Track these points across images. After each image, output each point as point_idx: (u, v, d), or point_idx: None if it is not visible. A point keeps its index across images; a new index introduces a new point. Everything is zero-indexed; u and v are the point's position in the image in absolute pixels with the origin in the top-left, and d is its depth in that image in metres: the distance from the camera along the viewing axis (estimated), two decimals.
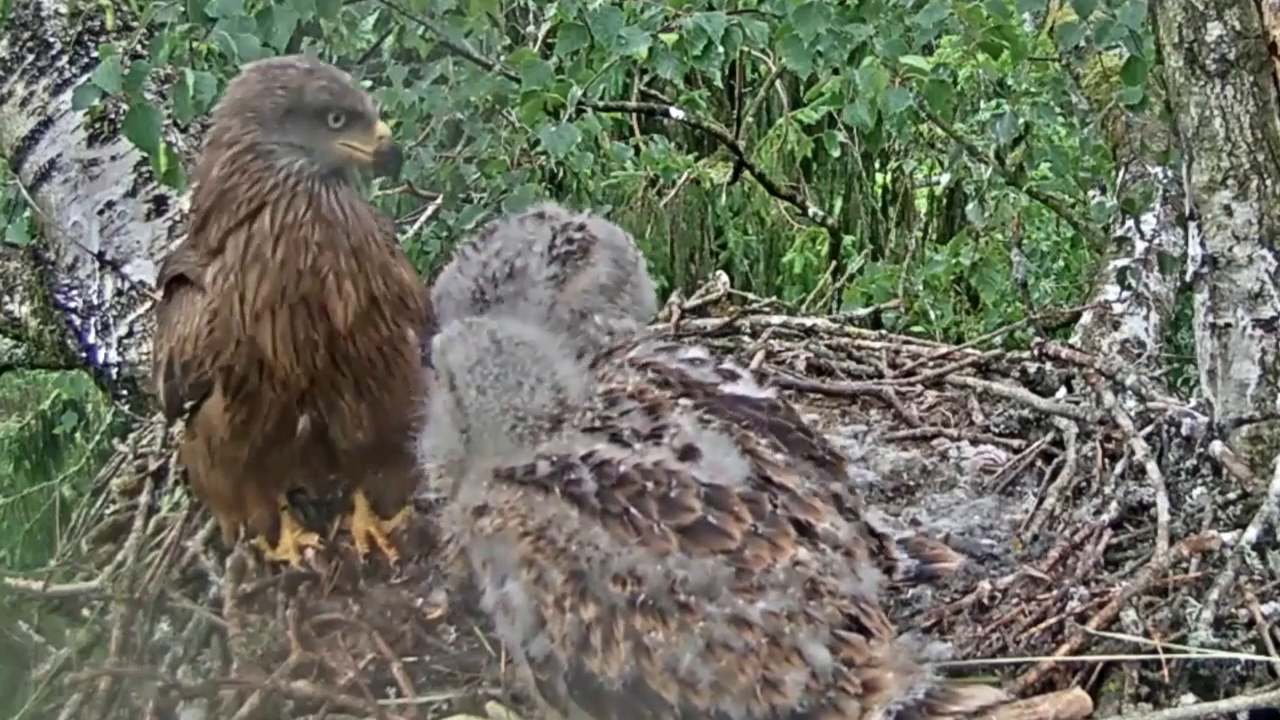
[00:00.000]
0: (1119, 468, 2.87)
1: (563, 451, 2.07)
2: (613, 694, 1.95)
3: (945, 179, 7.50)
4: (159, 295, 2.97)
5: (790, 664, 1.93)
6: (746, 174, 7.36)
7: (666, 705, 1.93)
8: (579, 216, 2.96)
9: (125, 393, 4.18)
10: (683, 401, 2.16)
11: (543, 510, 2.02)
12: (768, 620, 1.94)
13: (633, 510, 1.97)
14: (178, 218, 4.30)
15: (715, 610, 1.93)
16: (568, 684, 1.99)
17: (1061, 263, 7.97)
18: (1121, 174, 5.87)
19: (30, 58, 4.55)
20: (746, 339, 3.95)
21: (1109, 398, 3.07)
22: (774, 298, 5.34)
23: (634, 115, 7.30)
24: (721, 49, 4.47)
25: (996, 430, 3.32)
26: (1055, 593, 2.44)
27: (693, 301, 4.24)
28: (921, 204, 9.01)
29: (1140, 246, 5.49)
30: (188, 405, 2.76)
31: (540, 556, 1.99)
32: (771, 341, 3.88)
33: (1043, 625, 2.35)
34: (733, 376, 2.27)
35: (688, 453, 2.05)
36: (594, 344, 2.75)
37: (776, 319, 4.05)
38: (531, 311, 2.75)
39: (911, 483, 3.13)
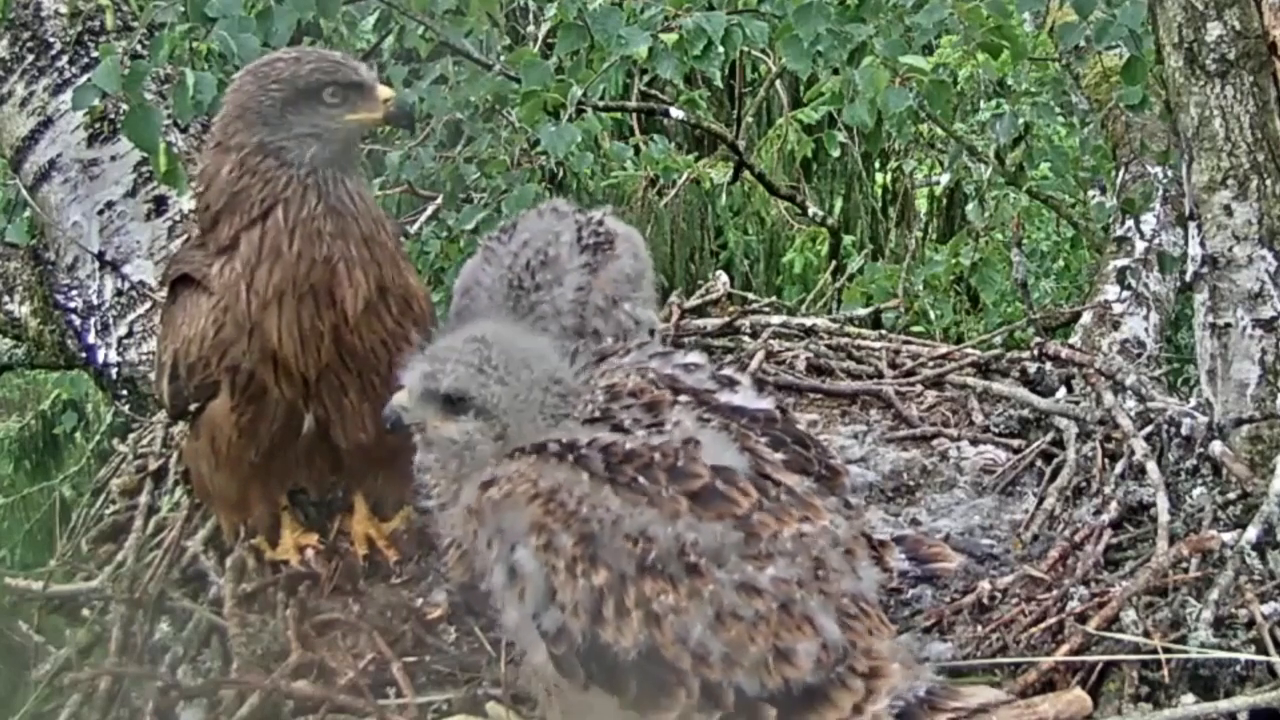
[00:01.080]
0: (1119, 468, 2.87)
1: (567, 438, 2.08)
2: (629, 664, 1.93)
3: (945, 179, 7.49)
4: (163, 295, 2.96)
5: (802, 633, 1.93)
6: (746, 174, 7.35)
7: (683, 675, 1.92)
8: (595, 213, 3.14)
9: (125, 393, 4.18)
10: (682, 399, 2.15)
11: (552, 474, 2.01)
12: (778, 587, 1.94)
13: (641, 479, 1.97)
14: (178, 218, 4.30)
15: (725, 576, 1.93)
16: (582, 658, 1.97)
17: (1061, 263, 7.97)
18: (1121, 174, 5.87)
19: (30, 58, 4.55)
20: (746, 339, 3.96)
21: (1109, 398, 3.07)
22: (774, 298, 5.34)
23: (634, 115, 7.29)
24: (721, 49, 4.47)
25: (996, 430, 3.32)
26: (1055, 593, 2.45)
27: (693, 301, 4.24)
28: (921, 204, 9.01)
29: (1140, 246, 5.49)
30: (192, 407, 2.77)
31: (550, 519, 1.98)
32: (771, 341, 3.88)
33: (1043, 625, 2.35)
34: (730, 384, 2.25)
35: (689, 444, 2.05)
36: (622, 330, 2.94)
37: (776, 319, 4.05)
38: (567, 297, 2.92)
39: (911, 483, 3.13)
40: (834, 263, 7.40)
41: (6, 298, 4.56)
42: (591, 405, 2.14)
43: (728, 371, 2.30)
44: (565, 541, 1.96)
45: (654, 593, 1.91)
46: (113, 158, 4.42)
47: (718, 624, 1.91)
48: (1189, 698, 2.15)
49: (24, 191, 4.46)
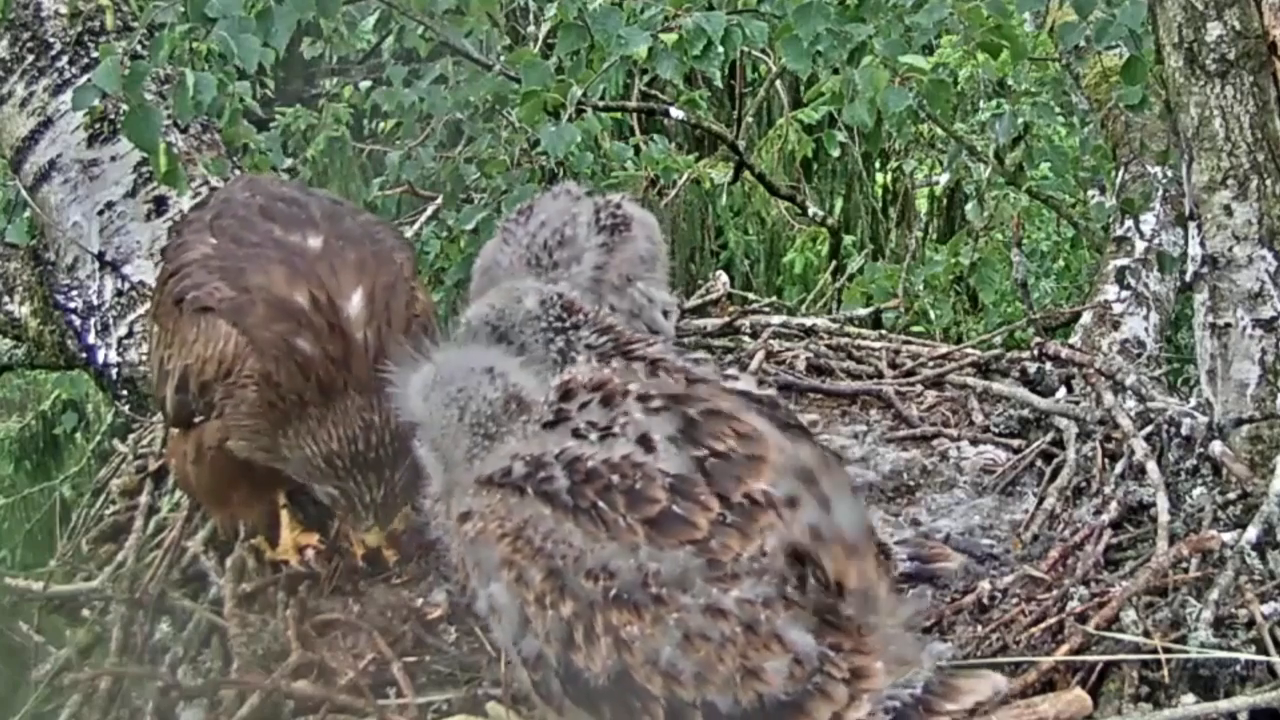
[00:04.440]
0: (1119, 468, 2.87)
1: (535, 451, 2.08)
2: (602, 689, 1.96)
3: (945, 179, 7.49)
4: (165, 300, 2.94)
5: (769, 651, 1.93)
6: (747, 174, 7.34)
7: (653, 698, 1.93)
8: (613, 196, 3.26)
9: (125, 393, 4.18)
10: (633, 387, 2.13)
11: (519, 511, 2.03)
12: (743, 608, 1.93)
13: (601, 505, 1.97)
14: (178, 218, 4.29)
15: (690, 601, 1.93)
16: (560, 681, 2.00)
17: (1061, 263, 7.96)
18: (1121, 174, 5.86)
19: (30, 58, 4.55)
20: (746, 339, 3.96)
21: (1109, 398, 3.07)
22: (774, 298, 5.34)
23: (634, 115, 7.29)
24: (721, 49, 4.47)
25: (996, 430, 3.32)
26: (1055, 593, 2.45)
27: (693, 301, 4.24)
28: (921, 204, 9.00)
29: (1140, 246, 5.48)
30: (197, 420, 2.77)
31: (519, 557, 2.01)
32: (771, 341, 3.88)
33: (1043, 625, 2.35)
34: (735, 378, 2.26)
35: (643, 441, 2.04)
36: (636, 307, 3.04)
37: (776, 319, 4.05)
38: (585, 275, 3.01)
39: (911, 483, 3.13)
40: (834, 263, 7.39)
41: (6, 298, 4.56)
42: (546, 407, 2.15)
43: (731, 371, 2.31)
44: (534, 576, 1.99)
45: (621, 621, 1.93)
46: (113, 158, 4.42)
47: (686, 645, 1.93)
48: (1189, 698, 2.15)
49: (24, 191, 4.46)
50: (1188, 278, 2.77)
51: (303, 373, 2.65)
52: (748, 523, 1.98)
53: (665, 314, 3.21)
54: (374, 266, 2.78)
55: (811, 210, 7.64)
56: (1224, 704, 2.10)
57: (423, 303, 2.87)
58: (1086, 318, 5.38)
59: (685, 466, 2.00)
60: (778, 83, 7.96)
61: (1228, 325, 2.68)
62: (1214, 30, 2.57)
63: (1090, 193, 6.46)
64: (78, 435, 7.10)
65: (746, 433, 2.05)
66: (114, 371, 4.21)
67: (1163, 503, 2.62)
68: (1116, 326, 5.22)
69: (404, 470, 2.65)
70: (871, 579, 2.05)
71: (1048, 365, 3.50)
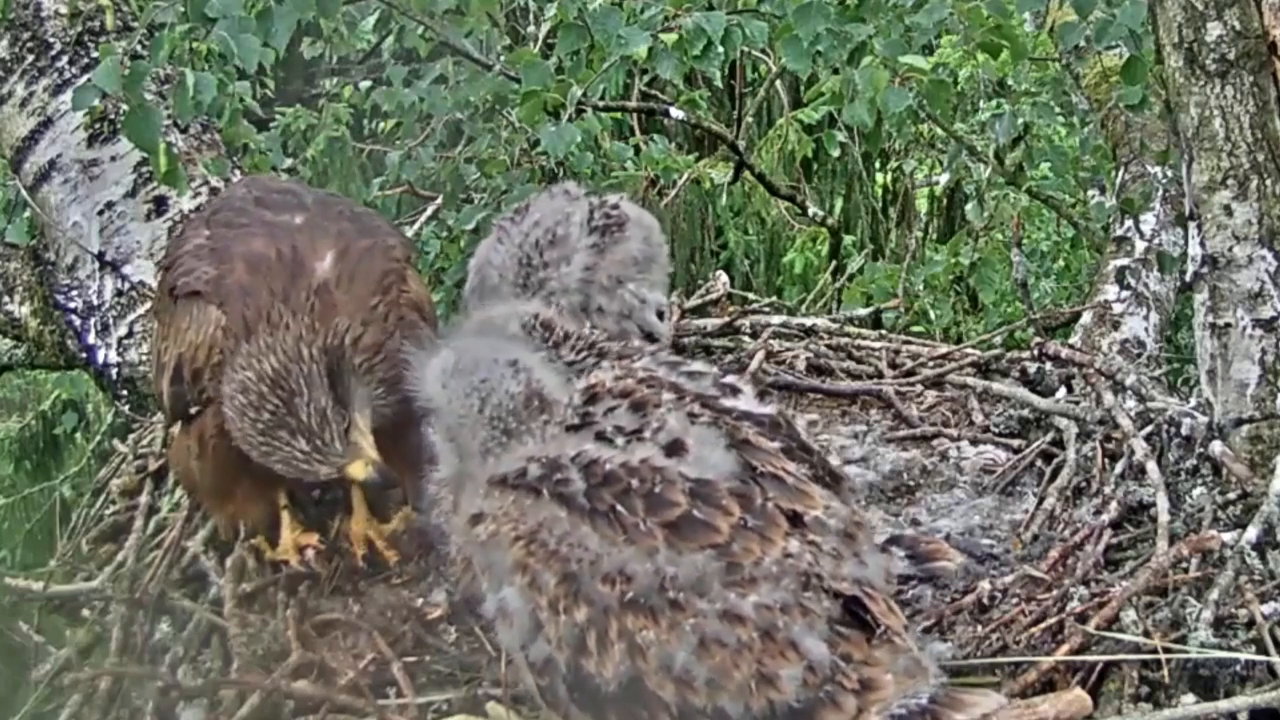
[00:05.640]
0: (1119, 468, 2.87)
1: (552, 453, 2.08)
2: (610, 695, 1.95)
3: (945, 179, 7.49)
4: (163, 295, 2.95)
5: (785, 658, 1.93)
6: (747, 174, 7.35)
7: (664, 705, 1.93)
8: (611, 196, 3.26)
9: (125, 393, 4.18)
10: (666, 397, 2.14)
11: (534, 514, 2.02)
12: (760, 614, 1.93)
13: (619, 508, 1.97)
14: (177, 218, 4.30)
15: (706, 606, 1.93)
16: (567, 687, 1.99)
17: (1061, 263, 7.96)
18: (1121, 174, 5.86)
19: (30, 58, 4.55)
20: (746, 339, 3.96)
21: (1109, 398, 3.07)
22: (774, 298, 5.34)
23: (634, 115, 7.29)
24: (721, 49, 4.47)
25: (996, 430, 3.32)
26: (1055, 593, 2.45)
27: (693, 301, 4.24)
28: (921, 204, 9.00)
29: (1140, 246, 5.48)
30: (194, 410, 2.77)
31: (533, 560, 2.00)
32: (771, 341, 3.88)
33: (1043, 625, 2.35)
34: (734, 391, 2.24)
35: (674, 447, 2.04)
36: (627, 308, 3.03)
37: (776, 319, 4.05)
38: (574, 276, 3.02)
39: (911, 483, 3.13)
40: (834, 263, 7.39)
41: (6, 298, 4.56)
42: (570, 410, 2.14)
43: (731, 381, 2.28)
44: (548, 580, 1.98)
45: (636, 627, 1.93)
46: (113, 158, 4.42)
47: (701, 651, 1.92)
48: (1189, 698, 2.15)
49: (24, 191, 4.46)
50: (1188, 278, 2.77)
51: (242, 313, 2.63)
52: (770, 526, 1.99)
53: (660, 315, 3.20)
54: (353, 235, 2.80)
55: (811, 210, 7.64)
56: (1224, 704, 2.10)
57: (416, 291, 2.86)
58: (1086, 318, 5.38)
59: (731, 468, 2.01)
60: (778, 83, 7.96)
61: (1228, 325, 2.68)
62: (1214, 30, 2.57)
63: (1090, 193, 6.46)
64: (78, 435, 7.10)
65: (793, 471, 2.07)
66: (114, 371, 4.21)
67: (1163, 503, 2.62)
68: (1116, 326, 5.22)
69: (311, 405, 2.54)
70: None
71: (1048, 365, 3.50)
